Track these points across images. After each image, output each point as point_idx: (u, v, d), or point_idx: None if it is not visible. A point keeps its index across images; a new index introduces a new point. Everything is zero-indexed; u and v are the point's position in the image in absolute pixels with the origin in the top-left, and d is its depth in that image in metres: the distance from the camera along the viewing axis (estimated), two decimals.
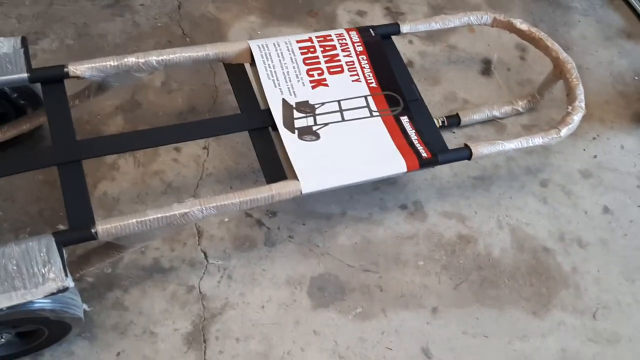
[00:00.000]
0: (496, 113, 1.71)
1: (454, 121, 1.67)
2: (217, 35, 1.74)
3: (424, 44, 1.84)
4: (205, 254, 1.40)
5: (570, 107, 1.52)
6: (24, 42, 1.26)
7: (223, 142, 1.56)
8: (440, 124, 1.64)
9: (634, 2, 1.99)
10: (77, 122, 1.52)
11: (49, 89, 1.25)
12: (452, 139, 1.67)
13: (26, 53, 1.24)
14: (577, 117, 1.50)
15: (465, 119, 1.67)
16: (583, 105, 1.52)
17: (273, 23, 1.81)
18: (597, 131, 1.76)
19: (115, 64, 1.28)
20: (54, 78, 1.25)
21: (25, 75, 1.22)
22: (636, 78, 1.86)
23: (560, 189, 1.64)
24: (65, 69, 1.24)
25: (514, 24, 1.62)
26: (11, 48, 1.23)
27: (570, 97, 1.54)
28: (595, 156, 1.71)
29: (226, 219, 1.46)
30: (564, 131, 1.47)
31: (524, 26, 1.62)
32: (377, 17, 1.86)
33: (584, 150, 1.72)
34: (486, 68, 1.82)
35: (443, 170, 1.62)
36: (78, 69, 1.25)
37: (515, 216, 1.58)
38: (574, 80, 1.56)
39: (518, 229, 1.56)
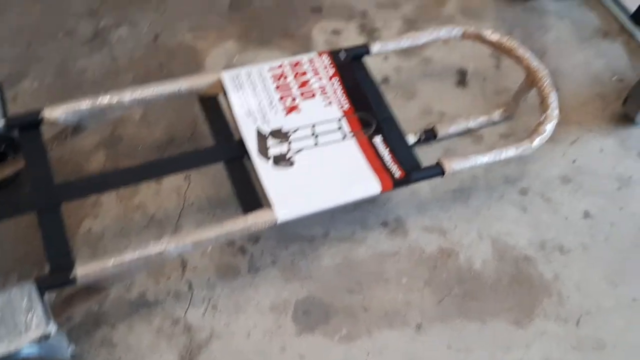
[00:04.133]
0: (472, 124, 1.73)
1: (430, 135, 1.69)
2: (193, 64, 1.76)
3: (399, 59, 1.86)
4: (190, 284, 1.43)
5: (542, 116, 1.53)
6: (0, 89, 1.29)
7: (204, 171, 1.58)
8: (417, 139, 1.67)
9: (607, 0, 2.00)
10: (59, 162, 1.56)
11: (25, 135, 1.28)
12: (430, 153, 1.68)
13: (2, 100, 1.27)
14: (549, 126, 1.51)
15: (441, 132, 1.69)
16: (556, 113, 1.54)
17: (250, 48, 1.83)
18: (576, 135, 1.77)
19: (89, 106, 1.31)
20: (30, 124, 1.28)
21: (1, 122, 1.25)
22: (614, 78, 1.88)
23: (540, 197, 1.65)
24: (40, 115, 1.27)
25: (484, 36, 1.64)
26: None
27: (542, 105, 1.56)
28: (574, 161, 1.72)
29: (209, 249, 1.48)
30: (537, 141, 1.49)
31: (494, 37, 1.64)
32: (352, 35, 1.88)
33: (563, 155, 1.73)
34: (461, 79, 1.84)
35: (422, 185, 1.64)
36: (53, 113, 1.29)
37: (495, 227, 1.60)
38: (546, 88, 1.57)
39: (498, 240, 1.58)
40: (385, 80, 1.81)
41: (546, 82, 1.58)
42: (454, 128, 1.71)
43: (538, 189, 1.67)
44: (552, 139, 1.74)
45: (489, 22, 1.96)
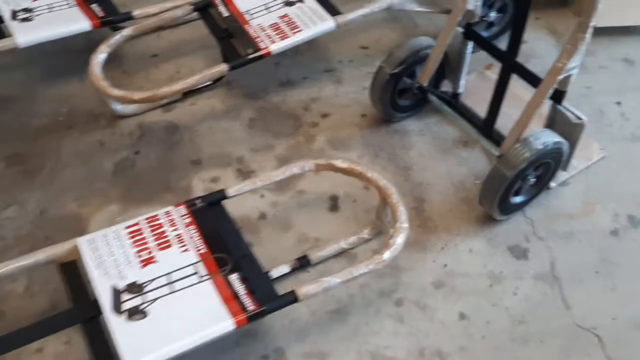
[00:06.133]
0: (344, 245, 1.81)
1: (304, 262, 1.77)
2: (77, 231, 1.86)
3: (274, 195, 1.98)
4: None
5: (392, 230, 1.63)
6: None
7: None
8: (292, 269, 1.75)
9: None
10: None
11: None
12: (307, 279, 1.75)
13: None
14: (399, 239, 1.61)
15: (314, 257, 1.77)
16: (405, 226, 1.64)
17: (132, 207, 1.95)
18: (445, 241, 1.86)
19: None
20: None
21: None
22: (477, 182, 2.00)
23: (415, 305, 1.70)
24: None
25: (334, 165, 1.78)
26: None
27: (392, 220, 1.66)
28: (445, 265, 1.80)
29: None
30: (387, 254, 1.57)
31: (344, 165, 1.78)
32: (230, 180, 2.02)
33: (434, 261, 1.81)
34: (333, 204, 1.95)
35: (301, 311, 1.69)
36: None
37: (373, 342, 1.63)
38: (395, 203, 1.69)
39: (377, 355, 1.60)
40: (262, 216, 1.92)
41: (394, 197, 1.70)
42: (326, 252, 1.80)
43: (413, 297, 1.72)
44: (423, 247, 1.84)
45: (357, 149, 2.11)
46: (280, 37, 2.14)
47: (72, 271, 1.49)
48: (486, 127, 1.96)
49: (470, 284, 1.75)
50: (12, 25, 2.17)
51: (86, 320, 1.40)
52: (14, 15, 2.22)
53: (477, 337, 1.64)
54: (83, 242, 1.52)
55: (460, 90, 2.11)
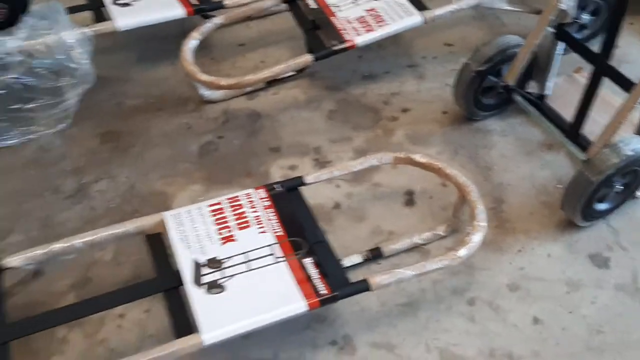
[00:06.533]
0: (418, 240, 1.81)
1: (377, 254, 1.78)
2: (163, 207, 1.95)
3: (350, 185, 2.00)
4: None
5: (469, 228, 1.61)
6: None
7: (163, 303, 1.71)
8: (363, 259, 1.76)
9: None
10: (33, 304, 1.72)
11: None
12: (378, 270, 1.76)
13: None
14: (476, 237, 1.59)
15: (386, 250, 1.78)
16: (483, 224, 1.62)
17: (214, 188, 2.03)
18: (522, 243, 1.82)
19: (44, 251, 1.49)
20: None
21: None
22: (559, 186, 1.95)
23: (488, 305, 1.68)
24: (0, 263, 1.46)
25: (413, 159, 1.78)
26: None
27: (471, 218, 1.65)
28: (521, 268, 1.76)
29: None
30: (463, 252, 1.56)
31: (423, 159, 1.78)
32: (306, 169, 2.05)
33: (510, 263, 1.77)
34: (409, 199, 1.95)
35: (371, 301, 1.70)
36: (11, 261, 1.47)
37: (443, 338, 1.62)
38: (474, 201, 1.67)
39: (446, 351, 1.59)
40: (337, 205, 1.95)
41: (474, 195, 1.68)
42: (399, 245, 1.80)
43: (486, 298, 1.70)
44: (499, 248, 1.81)
45: (436, 145, 2.10)
46: (366, 30, 2.16)
47: (157, 243, 1.57)
48: (572, 131, 1.90)
49: (547, 289, 1.71)
50: (113, 10, 2.29)
51: (168, 289, 1.47)
52: (115, 0, 2.35)
53: (551, 342, 1.59)
54: (169, 216, 1.60)
55: (548, 92, 2.06)
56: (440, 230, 1.83)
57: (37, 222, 1.94)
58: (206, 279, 1.47)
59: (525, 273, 1.75)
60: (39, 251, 1.49)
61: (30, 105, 2.15)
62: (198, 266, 1.50)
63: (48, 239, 1.84)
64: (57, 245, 1.50)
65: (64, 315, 1.46)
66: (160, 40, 2.56)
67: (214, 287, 1.46)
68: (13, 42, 2.02)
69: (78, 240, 1.52)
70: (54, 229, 1.92)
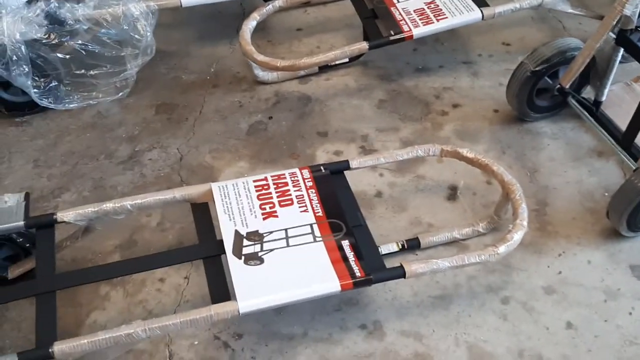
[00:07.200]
0: (457, 235, 1.81)
1: (414, 244, 1.79)
2: (209, 180, 2.01)
3: (394, 175, 2.02)
4: None
5: (511, 226, 1.61)
6: (27, 197, 1.58)
7: (201, 272, 1.76)
8: (400, 248, 1.78)
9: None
10: (81, 260, 1.81)
11: (41, 233, 1.54)
12: (414, 260, 1.77)
13: (26, 206, 1.56)
14: (517, 235, 1.58)
15: (424, 241, 1.79)
16: (525, 223, 1.61)
17: (259, 166, 2.07)
18: (563, 248, 1.80)
19: (95, 209, 1.56)
20: (46, 224, 1.55)
21: (22, 223, 1.52)
22: (606, 194, 1.91)
23: (522, 306, 1.67)
24: (54, 216, 1.54)
25: (460, 153, 1.78)
26: (15, 202, 1.56)
27: (513, 216, 1.64)
28: (560, 272, 1.74)
29: (196, 342, 1.62)
30: (502, 249, 1.55)
31: (470, 154, 1.78)
32: (352, 155, 2.08)
33: (548, 267, 1.76)
34: (452, 194, 1.95)
35: (404, 290, 1.72)
36: (65, 215, 1.55)
37: (473, 333, 1.62)
38: (517, 199, 1.66)
39: (475, 346, 1.60)
40: (379, 194, 1.96)
41: (518, 193, 1.67)
42: (437, 238, 1.80)
43: (520, 298, 1.69)
44: (538, 250, 1.80)
45: (484, 143, 2.09)
46: (424, 22, 2.16)
47: (202, 212, 1.62)
48: (626, 140, 1.86)
49: (584, 296, 1.69)
50: None
51: (209, 257, 1.52)
52: None
53: (582, 349, 1.58)
54: (216, 187, 1.65)
55: (603, 98, 2.02)
56: (480, 227, 1.82)
57: (91, 183, 2.03)
58: (246, 250, 1.52)
59: (563, 277, 1.73)
60: (90, 209, 1.56)
61: (93, 72, 2.24)
62: (240, 237, 1.54)
63: (99, 200, 1.93)
64: (108, 205, 1.57)
65: (107, 272, 1.53)
66: (220, 19, 2.63)
67: (253, 258, 1.50)
68: (83, 9, 2.11)
69: (128, 202, 1.58)
70: (105, 191, 2.00)
